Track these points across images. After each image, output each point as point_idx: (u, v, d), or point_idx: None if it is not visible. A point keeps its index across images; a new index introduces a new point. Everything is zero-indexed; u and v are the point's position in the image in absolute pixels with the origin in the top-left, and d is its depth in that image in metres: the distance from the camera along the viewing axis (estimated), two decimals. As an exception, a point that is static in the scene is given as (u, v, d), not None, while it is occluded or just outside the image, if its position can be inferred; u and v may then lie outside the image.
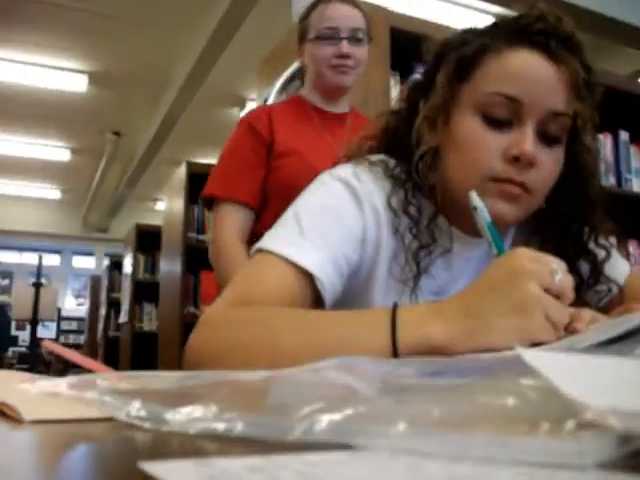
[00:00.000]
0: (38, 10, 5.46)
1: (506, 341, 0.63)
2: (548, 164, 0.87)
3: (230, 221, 1.74)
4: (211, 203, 1.81)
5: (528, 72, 0.85)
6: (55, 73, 6.69)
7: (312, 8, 1.81)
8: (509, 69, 0.86)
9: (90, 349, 8.55)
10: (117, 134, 8.44)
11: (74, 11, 5.49)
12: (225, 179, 1.77)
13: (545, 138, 0.87)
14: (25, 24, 5.74)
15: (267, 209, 1.76)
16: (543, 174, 0.87)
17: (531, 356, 0.35)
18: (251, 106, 6.95)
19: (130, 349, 5.41)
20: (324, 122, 1.81)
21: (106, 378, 0.51)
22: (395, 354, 0.68)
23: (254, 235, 1.75)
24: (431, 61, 0.96)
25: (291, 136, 1.76)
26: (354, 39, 1.74)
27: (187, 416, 0.37)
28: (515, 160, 0.85)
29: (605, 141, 2.86)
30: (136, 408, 0.40)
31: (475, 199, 0.81)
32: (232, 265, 1.69)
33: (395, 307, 0.71)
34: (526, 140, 0.84)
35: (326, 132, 1.79)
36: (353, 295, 0.95)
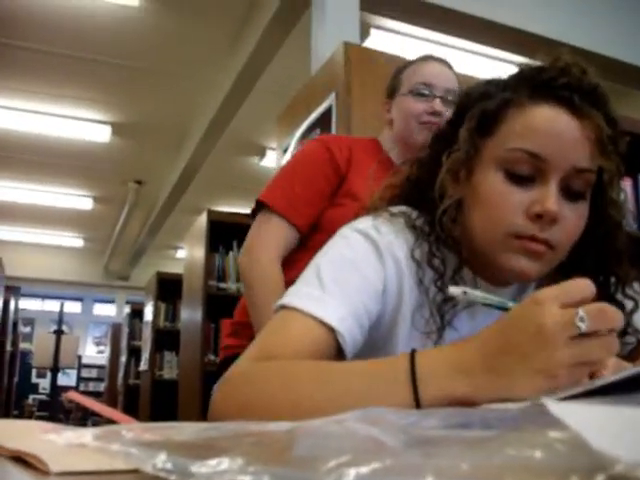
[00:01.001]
0: (63, 63, 5.62)
1: (528, 398, 0.62)
2: (572, 220, 0.86)
3: (278, 238, 1.68)
4: (260, 206, 1.73)
5: (551, 128, 0.84)
6: (79, 124, 6.83)
7: (406, 65, 1.81)
8: (532, 125, 0.85)
9: (110, 397, 8.54)
10: (139, 183, 8.55)
11: (98, 64, 5.63)
12: (291, 199, 1.70)
13: (569, 194, 0.86)
14: (50, 76, 5.90)
15: (311, 238, 1.70)
16: (567, 230, 0.86)
17: (558, 407, 0.35)
18: (271, 155, 7.03)
19: (150, 397, 5.40)
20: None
21: (131, 429, 0.51)
22: (417, 405, 0.67)
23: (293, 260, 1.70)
24: (454, 112, 0.96)
25: (363, 180, 1.67)
26: (447, 100, 1.72)
27: (213, 468, 0.37)
28: (538, 217, 0.84)
29: (625, 185, 2.85)
30: (162, 460, 0.40)
31: (456, 290, 0.75)
32: (265, 288, 1.61)
33: (413, 358, 0.70)
34: (549, 197, 0.83)
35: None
36: (376, 346, 0.95)
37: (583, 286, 0.66)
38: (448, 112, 1.70)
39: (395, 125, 1.81)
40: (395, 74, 1.83)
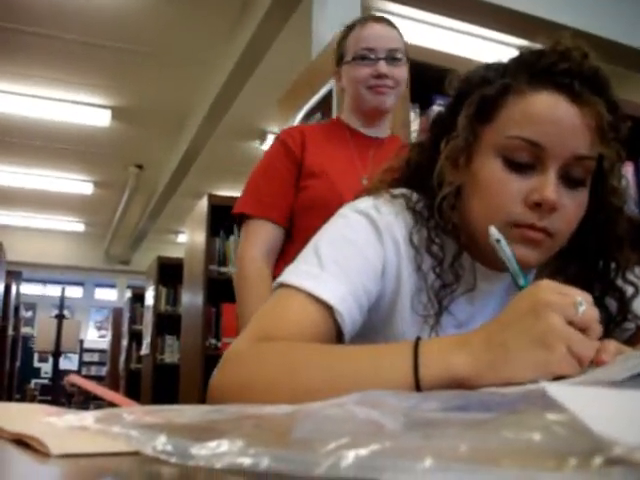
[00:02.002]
0: (63, 47, 5.59)
1: (528, 375, 0.62)
2: (571, 208, 0.85)
3: (260, 238, 1.74)
4: (241, 220, 1.80)
5: (551, 116, 0.83)
6: (79, 108, 6.80)
7: (348, 31, 1.81)
8: (531, 113, 0.84)
9: (112, 381, 8.57)
10: (140, 167, 8.54)
11: (98, 48, 5.60)
12: (258, 197, 1.77)
13: (568, 181, 0.85)
14: (50, 61, 5.87)
15: (293, 228, 1.76)
16: (566, 218, 0.85)
17: (556, 390, 0.35)
18: (272, 139, 7.01)
19: (151, 381, 5.41)
20: (357, 147, 1.80)
21: (132, 412, 0.51)
22: (417, 386, 0.67)
23: (282, 253, 1.77)
24: (453, 97, 0.95)
25: (321, 157, 1.75)
26: (391, 59, 1.73)
27: (213, 451, 0.37)
28: (537, 205, 0.83)
29: (627, 171, 2.84)
30: (162, 442, 0.40)
31: (495, 233, 0.80)
32: (249, 288, 1.70)
33: (418, 340, 0.71)
34: (548, 186, 0.82)
35: (356, 158, 1.77)
36: (376, 328, 0.95)
37: (584, 292, 0.68)
38: (398, 70, 1.75)
39: (346, 93, 1.84)
40: (339, 41, 1.85)
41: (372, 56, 1.73)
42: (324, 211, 1.61)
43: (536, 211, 0.84)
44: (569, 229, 0.88)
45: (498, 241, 0.80)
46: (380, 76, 1.72)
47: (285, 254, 1.75)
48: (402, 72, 1.76)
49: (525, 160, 0.85)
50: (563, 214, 0.85)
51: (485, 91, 0.89)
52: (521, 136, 0.84)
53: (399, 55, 1.75)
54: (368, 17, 1.83)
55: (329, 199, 1.62)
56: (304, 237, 1.65)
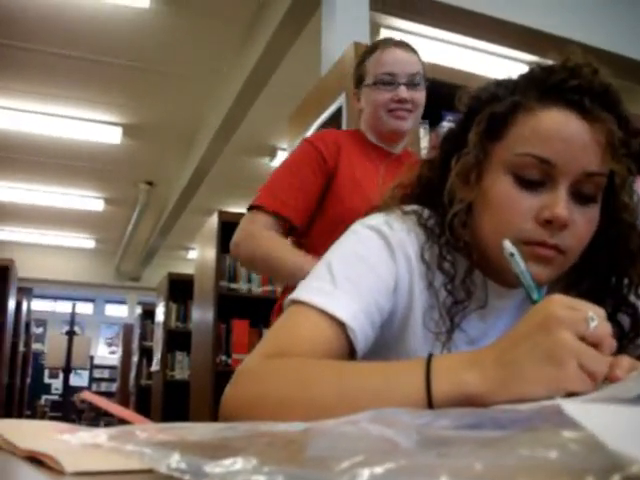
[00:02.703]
0: (74, 65, 5.64)
1: (539, 391, 0.62)
2: (582, 224, 0.85)
3: (263, 225, 1.71)
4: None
5: (561, 133, 0.83)
6: (90, 126, 6.85)
7: (369, 53, 1.85)
8: (541, 130, 0.84)
9: (122, 397, 8.57)
10: (150, 184, 8.57)
11: (109, 66, 5.65)
12: (272, 192, 1.75)
13: (579, 197, 0.85)
14: (62, 79, 5.92)
15: (323, 237, 1.68)
16: (577, 235, 0.85)
17: (572, 407, 0.35)
18: (282, 155, 7.04)
19: (162, 397, 5.41)
20: (383, 161, 1.81)
21: (145, 430, 0.51)
22: (430, 403, 0.67)
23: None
24: (463, 114, 0.95)
25: (355, 169, 1.76)
26: (412, 84, 1.77)
27: (227, 469, 0.37)
28: (548, 223, 0.83)
29: (638, 185, 2.83)
30: (176, 460, 0.40)
31: (509, 246, 0.80)
32: (272, 243, 1.67)
33: (430, 356, 0.71)
34: (559, 203, 0.82)
35: (384, 170, 1.77)
36: (388, 344, 0.95)
37: (596, 307, 0.67)
38: (418, 94, 1.79)
39: (365, 114, 1.87)
40: (359, 62, 1.89)
41: (393, 81, 1.77)
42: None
43: (547, 228, 0.84)
44: (580, 246, 0.87)
45: (512, 255, 0.79)
46: (400, 101, 1.76)
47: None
48: (421, 96, 1.81)
49: (535, 177, 0.85)
50: (574, 231, 0.84)
51: (495, 108, 0.89)
52: (531, 153, 0.84)
53: (418, 80, 1.79)
54: (389, 41, 1.86)
55: (363, 209, 1.60)
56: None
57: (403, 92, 1.76)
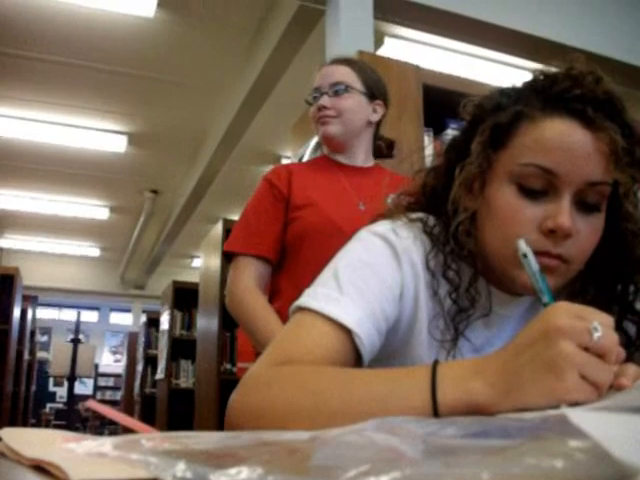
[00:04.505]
0: (79, 74, 5.66)
1: (540, 402, 0.61)
2: (586, 233, 0.85)
3: (249, 271, 1.79)
4: (231, 258, 1.87)
5: (564, 143, 0.82)
6: (96, 134, 6.87)
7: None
8: (544, 140, 0.84)
9: (126, 405, 8.57)
10: (155, 192, 8.59)
11: (114, 75, 5.67)
12: (246, 235, 1.83)
13: (583, 206, 0.84)
14: (67, 88, 5.95)
15: (285, 260, 1.81)
16: (581, 244, 0.85)
17: (578, 417, 0.35)
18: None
19: (166, 406, 5.41)
20: (348, 177, 1.87)
21: (150, 439, 0.51)
22: (435, 411, 0.67)
23: (276, 285, 1.82)
24: (467, 123, 0.95)
25: (307, 189, 1.82)
26: (334, 92, 1.84)
27: (232, 477, 0.37)
28: (551, 232, 0.83)
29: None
30: (181, 469, 0.40)
31: (523, 247, 0.79)
32: (253, 314, 1.73)
33: (436, 363, 0.71)
34: (562, 213, 0.82)
35: (349, 187, 1.84)
36: (394, 352, 0.95)
37: (604, 315, 0.66)
38: (340, 100, 1.85)
39: None
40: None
41: (318, 94, 1.87)
42: (318, 238, 1.71)
43: (551, 238, 0.83)
44: (585, 255, 0.87)
45: (525, 256, 0.79)
46: (319, 108, 1.84)
47: (278, 286, 1.81)
48: (344, 102, 1.85)
49: (539, 187, 0.84)
50: (578, 240, 0.84)
51: (498, 118, 0.89)
52: (534, 163, 0.84)
53: (341, 87, 1.85)
54: (327, 62, 1.95)
55: (321, 227, 1.72)
56: (296, 268, 1.75)
57: (323, 100, 1.83)
